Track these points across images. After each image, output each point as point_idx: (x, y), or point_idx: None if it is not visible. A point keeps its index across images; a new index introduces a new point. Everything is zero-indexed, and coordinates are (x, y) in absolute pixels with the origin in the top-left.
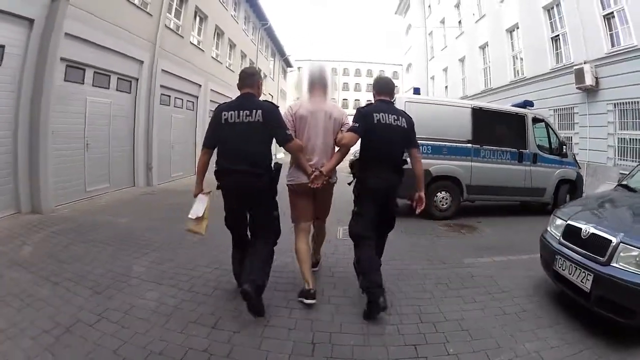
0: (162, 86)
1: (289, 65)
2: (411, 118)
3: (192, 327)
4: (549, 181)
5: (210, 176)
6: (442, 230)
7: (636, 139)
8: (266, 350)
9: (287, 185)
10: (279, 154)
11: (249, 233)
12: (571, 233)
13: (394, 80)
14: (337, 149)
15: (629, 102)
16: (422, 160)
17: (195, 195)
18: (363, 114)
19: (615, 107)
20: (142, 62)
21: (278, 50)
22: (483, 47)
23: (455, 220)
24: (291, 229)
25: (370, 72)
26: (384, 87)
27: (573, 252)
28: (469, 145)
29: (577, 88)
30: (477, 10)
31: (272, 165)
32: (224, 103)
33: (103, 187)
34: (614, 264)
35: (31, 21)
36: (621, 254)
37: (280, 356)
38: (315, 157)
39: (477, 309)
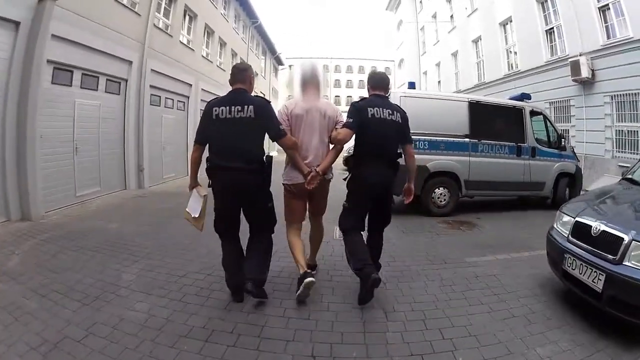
0: (151, 86)
1: (280, 63)
2: (405, 113)
3: (183, 342)
4: (548, 175)
5: (202, 175)
6: (441, 228)
7: (634, 131)
8: None
9: (283, 184)
10: (273, 152)
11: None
12: (580, 230)
13: (388, 77)
14: (332, 146)
15: (626, 94)
16: (419, 156)
17: (191, 189)
18: (357, 108)
19: (612, 99)
20: (131, 62)
21: (269, 49)
22: (476, 41)
23: (454, 217)
24: (284, 227)
25: (362, 69)
26: (378, 82)
27: (583, 250)
28: (467, 139)
29: (573, 80)
30: (470, 4)
31: (264, 159)
32: (215, 99)
33: (94, 191)
34: (626, 263)
35: (17, 24)
36: (633, 253)
37: None
38: (311, 155)
39: (484, 312)
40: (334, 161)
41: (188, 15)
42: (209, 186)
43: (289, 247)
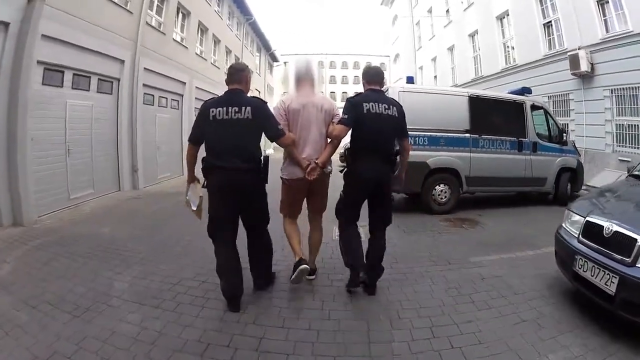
0: (145, 85)
1: (275, 60)
2: (402, 107)
3: (177, 357)
4: (550, 170)
5: (198, 175)
6: (443, 226)
7: (634, 125)
8: None
9: (282, 178)
10: (269, 150)
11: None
12: (591, 230)
13: (383, 71)
14: (329, 140)
15: (626, 88)
16: (419, 152)
17: (189, 183)
18: (352, 103)
19: (611, 93)
20: (123, 61)
21: (264, 45)
22: (472, 35)
23: (455, 215)
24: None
25: (358, 65)
26: (373, 76)
27: (595, 252)
28: (467, 135)
29: (572, 74)
30: None
31: (262, 159)
32: (211, 99)
33: (87, 193)
34: None
35: (6, 25)
36: None
37: None
38: (310, 149)
39: (493, 317)
40: (333, 154)
41: (181, 12)
42: (203, 186)
43: (286, 236)
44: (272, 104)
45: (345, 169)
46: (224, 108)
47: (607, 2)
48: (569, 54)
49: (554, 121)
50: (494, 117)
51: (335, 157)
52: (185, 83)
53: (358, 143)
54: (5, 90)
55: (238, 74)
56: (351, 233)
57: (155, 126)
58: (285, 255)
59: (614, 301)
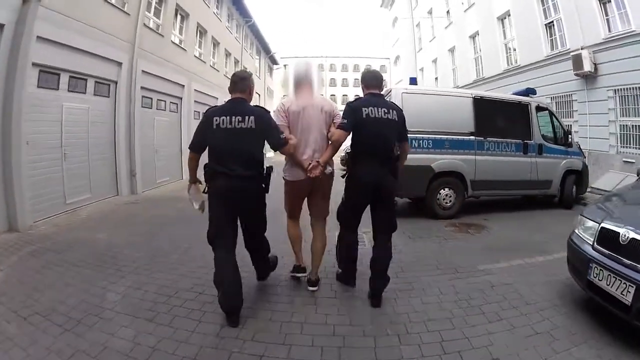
0: (143, 88)
1: (275, 62)
2: (402, 111)
3: None
4: (556, 173)
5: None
6: (448, 232)
7: (638, 126)
8: None
9: (284, 179)
10: (269, 154)
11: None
12: (607, 237)
13: (381, 74)
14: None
15: (630, 88)
16: (424, 156)
17: (191, 184)
18: (352, 108)
19: (615, 94)
20: (120, 63)
21: (263, 48)
22: (473, 37)
23: (460, 219)
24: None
25: (357, 67)
26: (372, 80)
27: (611, 259)
28: (472, 137)
29: (575, 74)
30: None
31: (265, 168)
32: (214, 107)
33: (84, 198)
34: None
35: (1, 26)
36: None
37: None
38: (311, 150)
39: (505, 329)
40: (334, 155)
41: (179, 14)
42: (204, 192)
43: (289, 240)
44: (272, 107)
45: (346, 173)
46: (228, 117)
47: (609, 1)
48: (571, 54)
49: (559, 122)
50: (499, 118)
51: (337, 160)
52: (184, 86)
53: (358, 147)
54: (0, 93)
55: (242, 83)
56: (349, 243)
57: (153, 129)
58: (285, 262)
59: (630, 311)
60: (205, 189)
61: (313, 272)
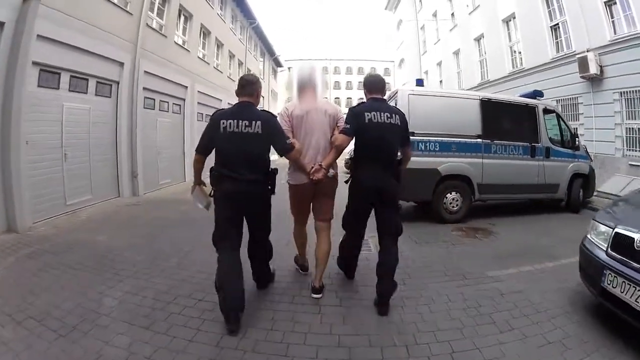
0: (145, 89)
1: (279, 65)
2: (405, 115)
3: None
4: (563, 176)
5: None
6: (455, 236)
7: None
8: None
9: (288, 183)
10: (273, 156)
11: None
12: (621, 243)
13: (385, 77)
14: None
15: (636, 91)
16: (430, 159)
17: (195, 185)
18: (354, 113)
19: (621, 96)
20: (122, 63)
21: (267, 50)
22: (478, 39)
23: (467, 224)
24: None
25: (362, 70)
26: (374, 85)
27: (626, 266)
28: (479, 140)
29: (581, 77)
30: (471, 1)
31: (270, 169)
32: (221, 110)
33: (85, 199)
34: None
35: (1, 24)
36: None
37: None
38: (313, 153)
39: (516, 339)
40: (337, 158)
41: (183, 15)
42: (210, 195)
43: (294, 242)
44: (276, 110)
45: (349, 178)
46: (235, 121)
47: (615, 2)
48: (577, 56)
49: (566, 125)
50: (506, 121)
51: (341, 164)
52: (187, 87)
53: (360, 152)
54: (0, 92)
55: (250, 87)
56: (352, 245)
57: (156, 131)
58: (289, 270)
59: None
60: (211, 192)
61: (317, 279)
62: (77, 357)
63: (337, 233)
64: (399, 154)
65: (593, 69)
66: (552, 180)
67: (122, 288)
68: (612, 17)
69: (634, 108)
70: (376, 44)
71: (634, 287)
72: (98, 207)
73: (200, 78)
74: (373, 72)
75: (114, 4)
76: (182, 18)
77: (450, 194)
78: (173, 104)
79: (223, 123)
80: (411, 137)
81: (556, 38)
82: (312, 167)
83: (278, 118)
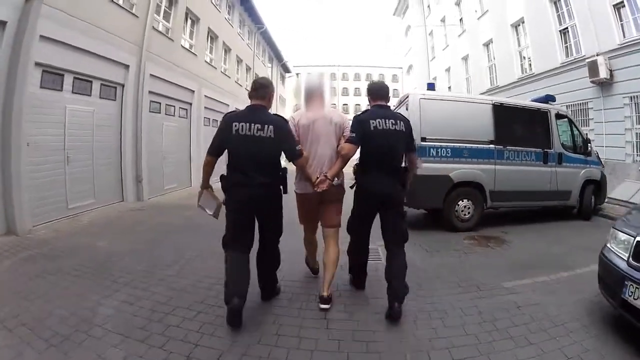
0: (151, 92)
1: (287, 70)
2: (409, 121)
3: None
4: (575, 183)
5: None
6: (467, 245)
7: None
8: None
9: (295, 192)
10: (282, 161)
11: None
12: None
13: (394, 84)
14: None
15: None
16: (442, 165)
17: (203, 189)
18: (359, 121)
19: (631, 101)
20: (127, 66)
21: (276, 56)
22: (487, 44)
23: (478, 232)
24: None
25: (370, 77)
26: (378, 92)
27: None
28: (492, 146)
29: (591, 82)
30: (479, 6)
31: (281, 172)
32: (232, 112)
33: (87, 203)
34: None
35: (3, 24)
36: None
37: None
38: (318, 163)
39: (534, 355)
40: (343, 167)
41: (190, 18)
42: (223, 202)
43: (305, 246)
44: (285, 116)
45: (355, 184)
46: (247, 124)
47: (624, 5)
48: (587, 60)
49: (579, 130)
50: (518, 126)
51: (349, 170)
52: (194, 91)
53: (365, 158)
54: (1, 93)
55: (263, 90)
56: (357, 249)
57: (161, 135)
58: (297, 279)
59: None
60: (224, 200)
61: (325, 287)
62: None
63: (345, 242)
64: (405, 160)
65: (603, 74)
66: (564, 187)
67: (119, 297)
68: (621, 20)
69: None
70: (384, 51)
71: None
72: (101, 211)
73: (207, 82)
74: (376, 80)
75: (119, 5)
76: (189, 21)
77: (462, 201)
78: (180, 108)
79: (235, 125)
80: (422, 143)
81: (565, 42)
82: (317, 178)
83: None
